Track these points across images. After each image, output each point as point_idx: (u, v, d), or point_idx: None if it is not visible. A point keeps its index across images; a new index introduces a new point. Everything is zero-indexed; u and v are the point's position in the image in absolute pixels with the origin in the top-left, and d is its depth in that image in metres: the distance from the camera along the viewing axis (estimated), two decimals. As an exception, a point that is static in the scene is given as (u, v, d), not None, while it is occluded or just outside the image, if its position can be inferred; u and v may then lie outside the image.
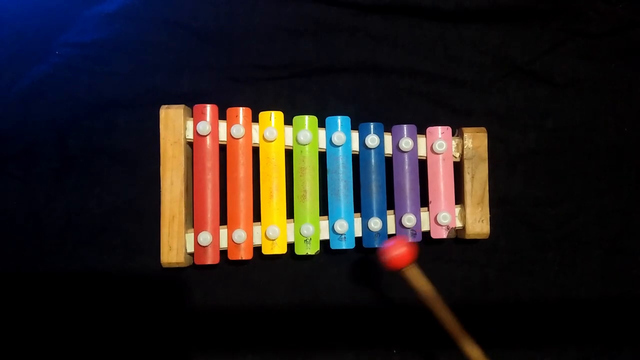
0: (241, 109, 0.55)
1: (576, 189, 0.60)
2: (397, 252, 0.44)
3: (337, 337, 0.58)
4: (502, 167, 0.59)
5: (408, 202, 0.55)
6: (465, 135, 0.55)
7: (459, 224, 0.55)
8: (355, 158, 0.56)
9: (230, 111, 0.55)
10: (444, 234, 0.55)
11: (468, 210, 0.55)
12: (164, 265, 0.54)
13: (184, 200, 0.54)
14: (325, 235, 0.55)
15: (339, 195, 0.55)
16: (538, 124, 0.60)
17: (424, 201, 0.55)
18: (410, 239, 0.54)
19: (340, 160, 0.55)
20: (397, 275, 0.59)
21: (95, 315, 0.57)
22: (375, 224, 0.54)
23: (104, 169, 0.59)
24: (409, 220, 0.54)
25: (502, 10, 0.60)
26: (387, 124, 0.55)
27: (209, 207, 0.55)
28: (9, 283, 0.58)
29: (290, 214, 0.56)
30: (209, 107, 0.55)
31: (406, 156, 0.55)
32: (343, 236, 0.54)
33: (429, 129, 0.55)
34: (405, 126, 0.55)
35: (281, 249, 0.54)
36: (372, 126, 0.55)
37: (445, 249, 0.59)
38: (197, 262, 0.54)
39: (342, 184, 0.55)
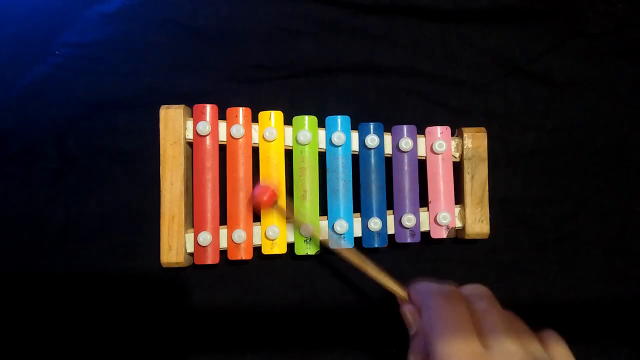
0: (241, 109, 0.55)
1: (576, 189, 0.60)
2: (267, 194, 0.51)
3: (337, 337, 0.58)
4: (502, 167, 0.59)
5: (407, 202, 0.55)
6: (465, 135, 0.55)
7: (458, 224, 0.55)
8: (355, 158, 0.56)
9: (230, 111, 0.55)
10: (444, 234, 0.55)
11: (468, 210, 0.55)
12: (164, 265, 0.54)
13: (183, 200, 0.54)
14: (325, 235, 0.55)
15: (339, 195, 0.55)
16: (538, 124, 0.60)
17: (424, 201, 0.55)
18: (409, 240, 0.54)
19: (340, 160, 0.55)
20: (396, 276, 0.59)
21: (95, 315, 0.57)
22: (375, 224, 0.54)
23: (104, 169, 0.59)
24: (408, 220, 0.54)
25: (502, 10, 0.60)
26: (387, 124, 0.55)
27: (208, 207, 0.55)
28: (8, 283, 0.58)
29: (290, 214, 0.56)
30: (208, 107, 0.55)
31: (406, 156, 0.55)
32: (342, 236, 0.54)
33: (428, 129, 0.55)
34: (405, 126, 0.55)
35: (281, 249, 0.54)
36: (371, 126, 0.55)
37: (445, 249, 0.59)
38: (197, 262, 0.54)
39: (341, 184, 0.55)
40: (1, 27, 0.61)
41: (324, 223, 0.55)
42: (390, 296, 0.58)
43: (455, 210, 0.55)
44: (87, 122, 0.59)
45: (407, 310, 0.42)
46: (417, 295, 0.42)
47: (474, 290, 0.40)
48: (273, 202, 0.51)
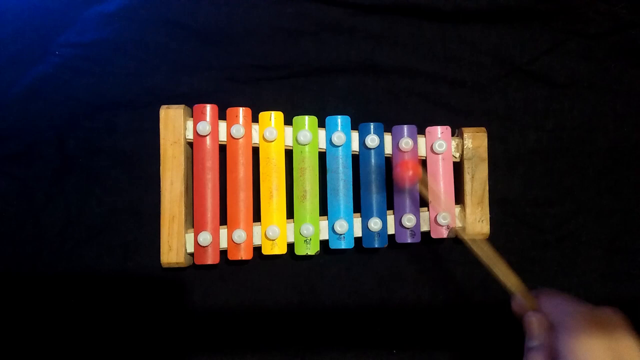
0: (241, 109, 0.55)
1: (576, 189, 0.60)
2: (412, 168, 0.52)
3: (337, 337, 0.58)
4: (502, 167, 0.59)
5: (408, 202, 0.55)
6: (465, 135, 0.55)
7: (459, 224, 0.55)
8: (355, 158, 0.56)
9: (230, 111, 0.55)
10: (444, 234, 0.55)
11: (468, 210, 0.55)
12: (164, 265, 0.54)
13: (184, 200, 0.54)
14: (325, 235, 0.55)
15: (339, 195, 0.55)
16: (538, 124, 0.60)
17: (424, 201, 0.55)
18: (409, 240, 0.54)
19: (340, 160, 0.55)
20: (396, 275, 0.59)
21: (95, 316, 0.57)
22: (375, 224, 0.54)
23: (104, 169, 0.59)
24: (408, 220, 0.54)
25: (502, 10, 0.60)
26: (387, 124, 0.55)
27: (209, 207, 0.55)
28: (7, 283, 0.58)
29: (290, 214, 0.56)
30: (209, 107, 0.55)
31: (406, 156, 0.55)
32: (342, 236, 0.54)
33: (428, 129, 0.55)
34: (405, 126, 0.55)
35: (281, 249, 0.54)
36: (372, 126, 0.55)
37: (445, 249, 0.59)
38: (197, 262, 0.54)
39: (341, 184, 0.55)
40: (1, 27, 0.61)
41: (324, 223, 0.55)
42: (390, 297, 0.59)
43: (455, 210, 0.55)
44: (87, 122, 0.59)
45: (536, 321, 0.40)
46: (553, 309, 0.39)
47: (611, 315, 0.39)
48: (416, 177, 0.52)
